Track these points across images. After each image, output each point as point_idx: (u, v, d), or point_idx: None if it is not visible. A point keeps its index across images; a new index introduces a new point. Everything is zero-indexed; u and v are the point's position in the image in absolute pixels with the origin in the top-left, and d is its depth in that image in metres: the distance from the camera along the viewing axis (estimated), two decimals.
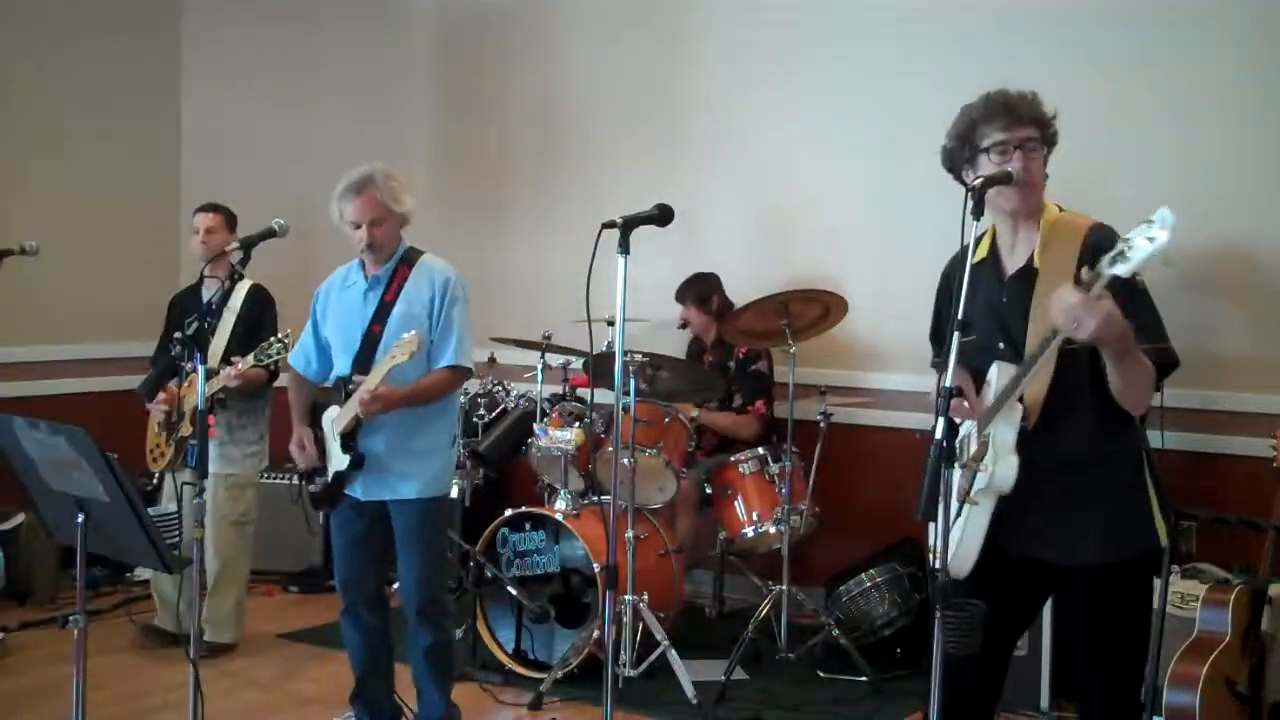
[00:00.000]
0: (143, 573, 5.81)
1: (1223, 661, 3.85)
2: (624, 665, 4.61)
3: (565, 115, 6.53)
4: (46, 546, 5.78)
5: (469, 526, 5.23)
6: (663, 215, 3.23)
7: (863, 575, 5.07)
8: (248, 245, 3.63)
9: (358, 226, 3.96)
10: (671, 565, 5.08)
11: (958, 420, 2.82)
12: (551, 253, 6.25)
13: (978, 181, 2.68)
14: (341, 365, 4.06)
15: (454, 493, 5.11)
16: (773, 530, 5.10)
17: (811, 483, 5.14)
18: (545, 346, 5.56)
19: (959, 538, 2.75)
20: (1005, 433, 2.74)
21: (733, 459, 5.28)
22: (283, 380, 4.53)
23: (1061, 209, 2.88)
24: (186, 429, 4.86)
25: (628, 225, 3.18)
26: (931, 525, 2.81)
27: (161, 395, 5.02)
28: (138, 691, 4.73)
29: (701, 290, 5.69)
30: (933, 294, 3.13)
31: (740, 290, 5.58)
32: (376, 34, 7.04)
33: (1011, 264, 2.89)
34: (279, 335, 4.51)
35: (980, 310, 2.83)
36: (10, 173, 6.39)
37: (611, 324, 4.49)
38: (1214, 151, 4.86)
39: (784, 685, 4.83)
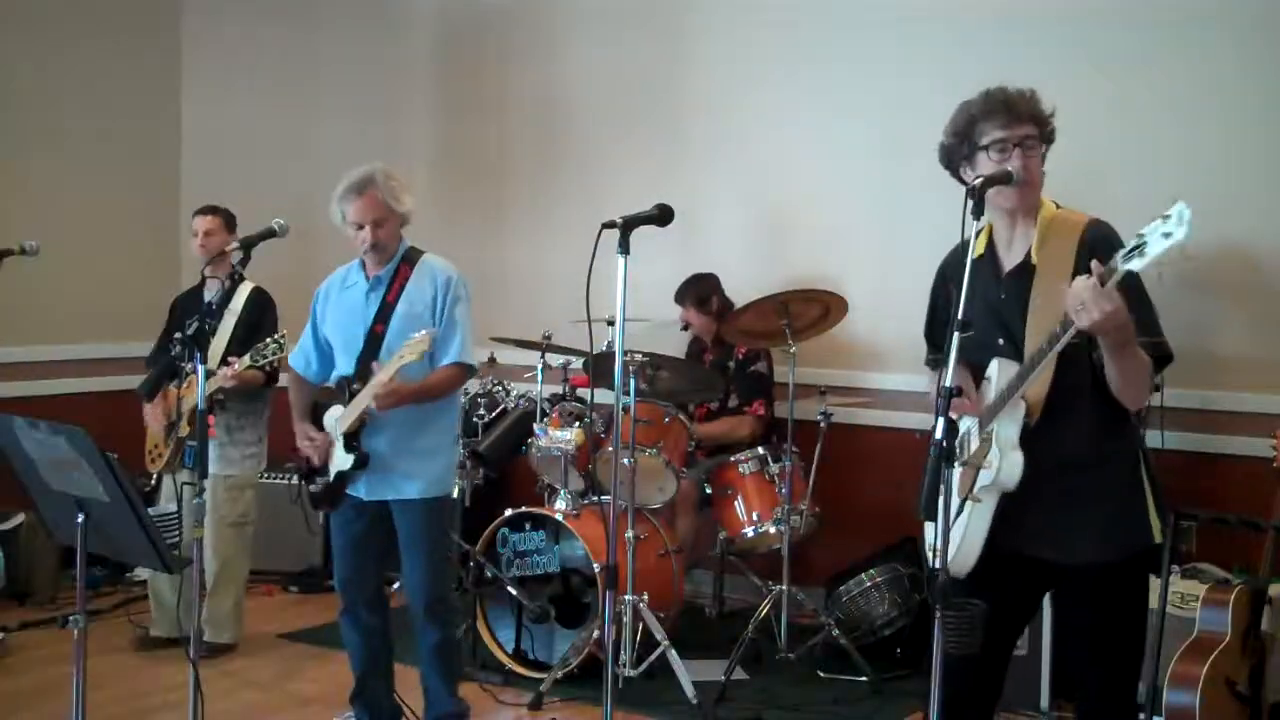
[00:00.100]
0: (142, 573, 5.81)
1: (1223, 661, 3.85)
2: (624, 665, 4.61)
3: (565, 115, 6.53)
4: (46, 546, 5.79)
5: (469, 526, 5.23)
6: (663, 215, 3.22)
7: (863, 575, 5.07)
8: (248, 245, 3.63)
9: (360, 227, 3.95)
10: (671, 565, 5.08)
11: (955, 417, 2.82)
12: (551, 253, 6.25)
13: (978, 181, 2.69)
14: (344, 365, 4.05)
15: (454, 492, 5.11)
16: (773, 530, 5.10)
17: (811, 483, 5.14)
18: (545, 346, 5.56)
19: (961, 537, 2.76)
20: (1008, 429, 2.75)
21: (733, 459, 5.28)
22: (283, 381, 4.53)
23: (1059, 206, 2.89)
24: (185, 429, 4.86)
25: (628, 225, 3.18)
26: (928, 525, 2.82)
27: (155, 408, 5.03)
28: (138, 691, 4.73)
29: (700, 291, 5.68)
30: None
31: (740, 290, 5.58)
32: (376, 34, 7.04)
33: (1009, 261, 2.89)
34: (274, 336, 4.52)
35: (978, 307, 2.83)
36: (10, 173, 6.39)
37: (611, 324, 4.49)
38: (1214, 151, 4.86)
39: (784, 685, 4.83)
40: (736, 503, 5.25)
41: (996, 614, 2.67)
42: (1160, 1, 4.99)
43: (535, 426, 5.12)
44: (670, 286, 5.70)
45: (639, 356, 4.88)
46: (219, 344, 4.96)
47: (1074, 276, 2.68)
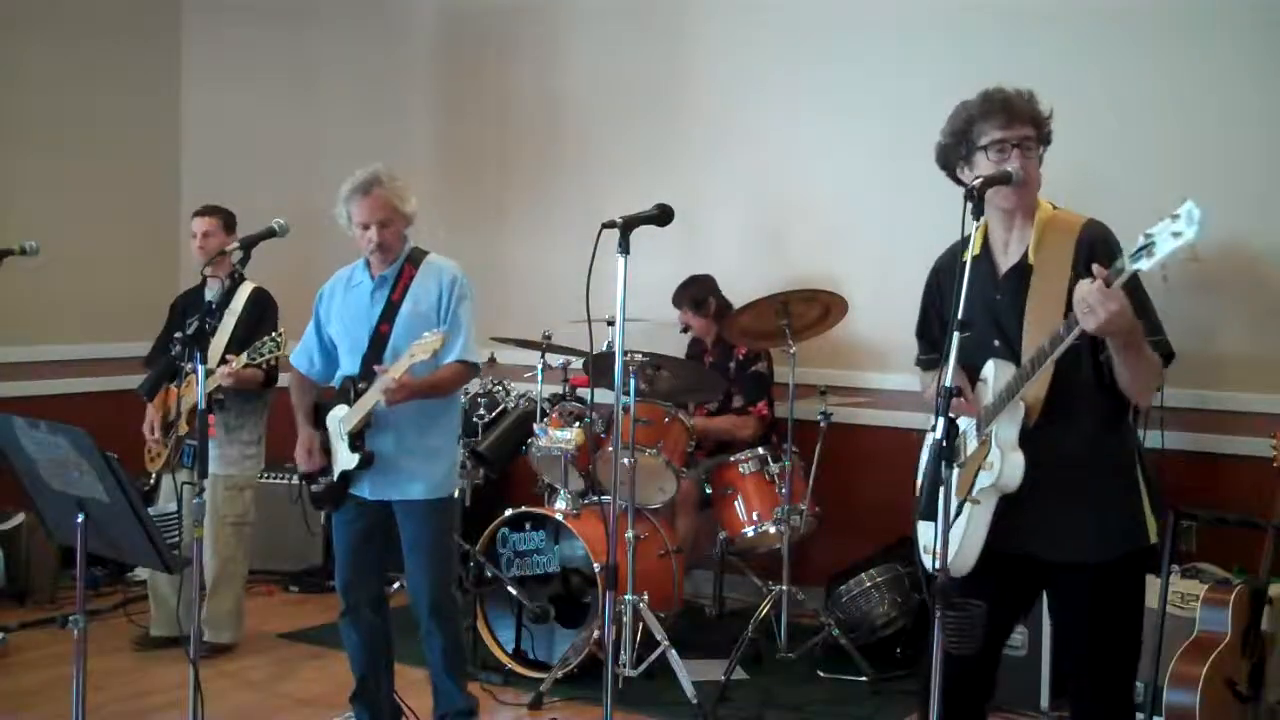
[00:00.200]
0: (142, 573, 5.81)
1: (1223, 661, 3.85)
2: (624, 665, 4.61)
3: (565, 115, 6.53)
4: (46, 546, 5.78)
5: (469, 526, 5.23)
6: (663, 215, 3.23)
7: (863, 575, 5.07)
8: (248, 245, 3.63)
9: (366, 227, 3.95)
10: (671, 565, 5.08)
11: (953, 417, 2.82)
12: (551, 253, 6.25)
13: (978, 181, 2.69)
14: (349, 365, 4.05)
15: (456, 493, 5.11)
16: (773, 530, 5.10)
17: (811, 482, 5.14)
18: (545, 346, 5.56)
19: (960, 538, 2.75)
20: (1008, 430, 2.75)
21: (733, 459, 5.28)
22: (284, 381, 4.53)
23: (1055, 206, 2.89)
24: (184, 429, 4.86)
25: (628, 225, 3.18)
26: (921, 525, 2.82)
27: (152, 414, 5.03)
28: (138, 691, 4.73)
29: (696, 294, 5.67)
30: None
31: (740, 290, 5.58)
32: (376, 34, 7.04)
33: (1005, 261, 2.89)
34: (272, 335, 4.51)
35: (974, 308, 2.83)
36: (10, 173, 6.39)
37: (611, 324, 4.49)
38: (1214, 151, 4.86)
39: (784, 685, 4.83)
40: (736, 503, 5.25)
41: (991, 613, 2.67)
42: (1160, 2, 4.99)
43: (535, 426, 5.12)
44: (670, 286, 5.69)
45: (639, 356, 4.88)
46: (219, 343, 4.95)
47: (1072, 277, 2.68)
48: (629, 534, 4.66)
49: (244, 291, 5.05)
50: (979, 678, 2.95)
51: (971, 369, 2.86)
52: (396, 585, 5.11)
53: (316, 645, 5.30)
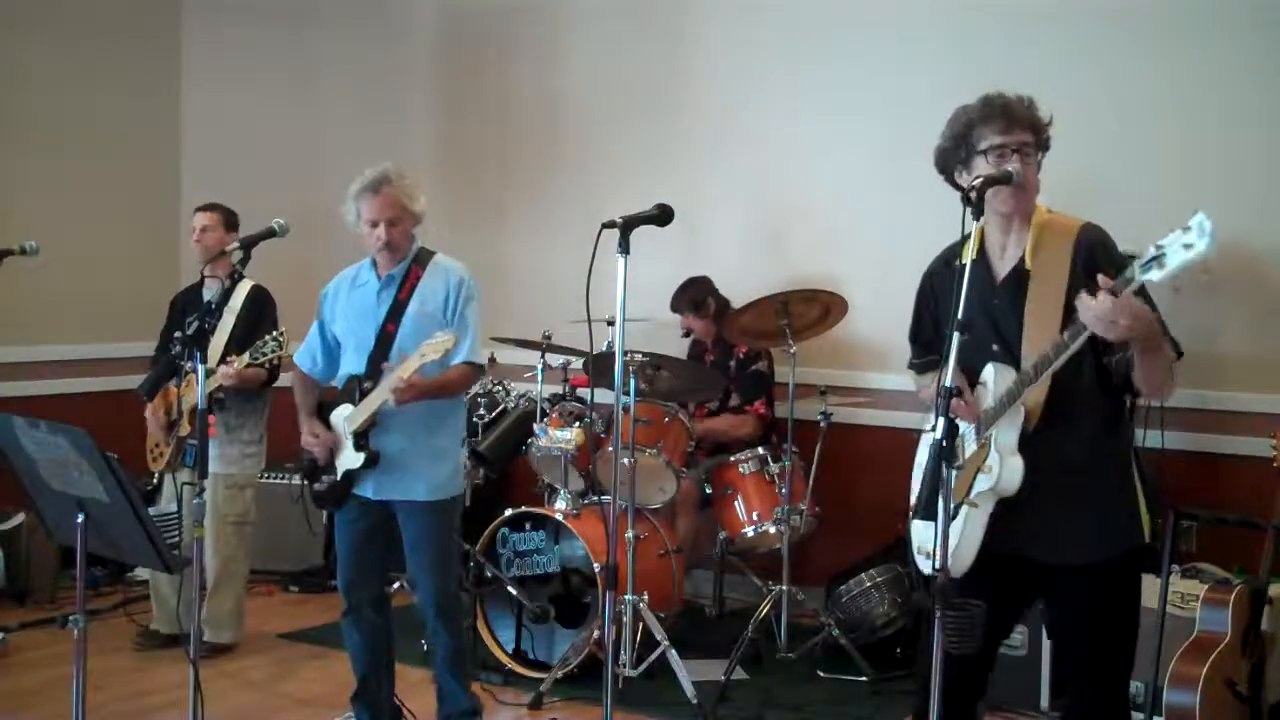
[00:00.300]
0: (142, 573, 5.81)
1: (1223, 661, 3.85)
2: (624, 665, 4.61)
3: (565, 115, 6.53)
4: (46, 546, 5.78)
5: (469, 526, 5.22)
6: (663, 215, 3.23)
7: (863, 575, 5.07)
8: (248, 245, 3.62)
9: (375, 225, 3.95)
10: (671, 565, 5.08)
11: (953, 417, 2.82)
12: (551, 253, 6.25)
13: (978, 181, 2.69)
14: (355, 364, 4.04)
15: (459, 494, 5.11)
16: (773, 530, 5.10)
17: (811, 482, 5.14)
18: (545, 346, 5.56)
19: (957, 540, 2.75)
20: (1007, 435, 2.75)
21: (733, 459, 5.28)
22: (284, 381, 4.53)
23: (1050, 210, 2.89)
24: (185, 429, 4.86)
25: (628, 225, 3.18)
26: (915, 526, 2.82)
27: (153, 412, 5.03)
28: (138, 691, 4.73)
29: (694, 296, 5.67)
30: None
31: (740, 290, 5.58)
32: (376, 34, 7.04)
33: (1002, 266, 2.89)
34: (273, 334, 4.51)
35: (973, 311, 2.83)
36: (10, 173, 6.39)
37: (611, 324, 4.49)
38: (1214, 151, 4.86)
39: (784, 685, 4.83)
40: (736, 502, 5.25)
41: (988, 613, 2.67)
42: (1160, 2, 4.99)
43: (535, 426, 5.12)
44: (670, 286, 5.69)
45: (639, 356, 4.88)
46: (219, 342, 4.96)
47: (1070, 280, 2.69)
48: (629, 534, 4.66)
49: (243, 289, 5.05)
50: (974, 678, 2.96)
51: (970, 372, 2.86)
52: (396, 585, 5.11)
53: (317, 645, 5.30)
